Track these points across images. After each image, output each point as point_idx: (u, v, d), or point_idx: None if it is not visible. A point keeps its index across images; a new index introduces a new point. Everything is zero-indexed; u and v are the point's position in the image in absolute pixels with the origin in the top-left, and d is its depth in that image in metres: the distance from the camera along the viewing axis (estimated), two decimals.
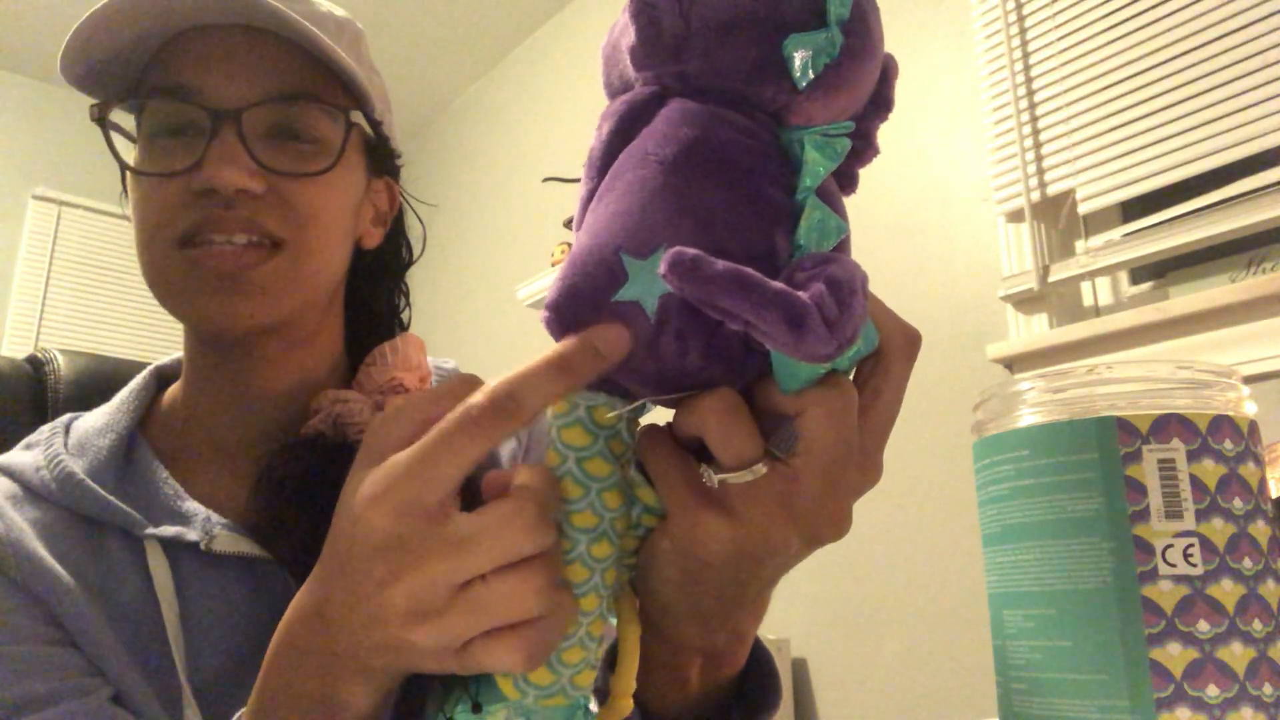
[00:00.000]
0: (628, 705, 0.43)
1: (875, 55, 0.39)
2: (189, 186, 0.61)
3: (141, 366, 0.76)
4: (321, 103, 0.65)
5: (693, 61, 0.38)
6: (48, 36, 3.31)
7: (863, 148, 0.42)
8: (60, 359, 0.86)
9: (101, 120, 0.64)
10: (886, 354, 0.40)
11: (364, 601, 0.36)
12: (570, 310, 0.37)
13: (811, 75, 0.37)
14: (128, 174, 0.65)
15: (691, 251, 0.34)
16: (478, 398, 0.35)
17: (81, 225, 3.56)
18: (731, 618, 0.44)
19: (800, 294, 0.34)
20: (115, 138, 0.66)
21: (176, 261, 0.61)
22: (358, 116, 0.68)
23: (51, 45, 3.46)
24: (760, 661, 0.51)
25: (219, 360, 0.67)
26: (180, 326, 0.68)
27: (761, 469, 0.36)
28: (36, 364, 0.85)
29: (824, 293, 0.34)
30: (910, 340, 0.41)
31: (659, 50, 0.38)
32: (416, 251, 0.79)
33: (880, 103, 0.42)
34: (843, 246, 0.39)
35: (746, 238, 0.37)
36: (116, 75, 0.64)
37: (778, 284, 0.34)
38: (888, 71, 0.41)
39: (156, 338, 3.57)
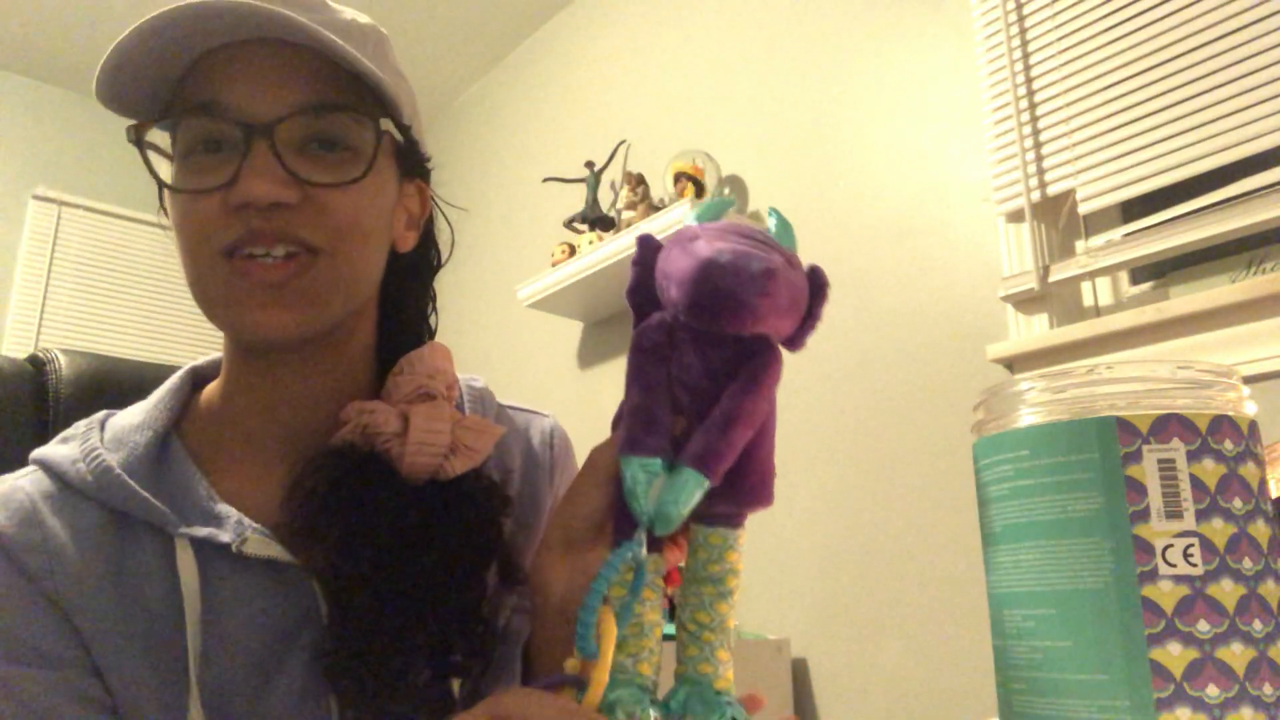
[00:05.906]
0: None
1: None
2: (227, 201, 0.61)
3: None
4: (350, 112, 0.65)
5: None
6: (48, 36, 3.31)
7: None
8: (62, 359, 0.86)
9: (138, 141, 0.64)
10: None
11: None
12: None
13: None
14: (165, 191, 0.65)
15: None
16: None
17: (81, 225, 3.55)
18: None
19: None
20: (152, 155, 0.66)
21: (223, 273, 0.62)
22: (387, 124, 0.68)
23: (52, 45, 3.43)
24: None
25: (258, 365, 0.68)
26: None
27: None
28: (38, 364, 0.86)
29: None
30: None
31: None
32: (445, 254, 0.80)
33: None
34: None
35: None
36: (148, 95, 0.64)
37: None
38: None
39: (157, 338, 3.56)
